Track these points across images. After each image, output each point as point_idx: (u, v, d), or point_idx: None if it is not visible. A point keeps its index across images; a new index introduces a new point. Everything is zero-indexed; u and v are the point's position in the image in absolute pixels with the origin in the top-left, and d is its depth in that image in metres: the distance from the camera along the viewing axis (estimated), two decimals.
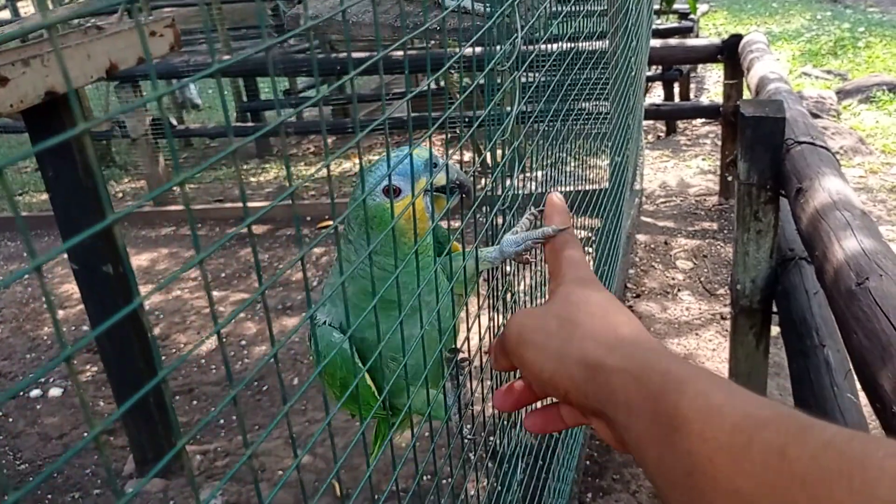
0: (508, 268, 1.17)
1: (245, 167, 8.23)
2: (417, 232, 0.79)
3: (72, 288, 4.77)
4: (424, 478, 2.80)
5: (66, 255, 3.07)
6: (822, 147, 2.55)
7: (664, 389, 0.47)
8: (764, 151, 2.61)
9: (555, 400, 0.64)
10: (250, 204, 6.59)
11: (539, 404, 0.67)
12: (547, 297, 0.68)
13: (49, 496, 3.13)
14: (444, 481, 1.00)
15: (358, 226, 0.93)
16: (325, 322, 0.98)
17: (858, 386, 2.05)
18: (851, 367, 1.62)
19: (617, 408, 0.50)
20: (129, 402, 0.42)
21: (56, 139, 0.34)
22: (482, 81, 0.96)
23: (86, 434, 3.59)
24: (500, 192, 1.08)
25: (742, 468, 0.39)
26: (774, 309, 2.89)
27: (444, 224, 1.02)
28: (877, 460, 0.35)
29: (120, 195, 7.62)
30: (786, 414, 0.41)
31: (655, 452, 0.46)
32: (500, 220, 1.12)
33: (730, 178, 5.57)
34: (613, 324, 0.56)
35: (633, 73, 3.57)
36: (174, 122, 7.53)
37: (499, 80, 1.13)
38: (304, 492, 0.62)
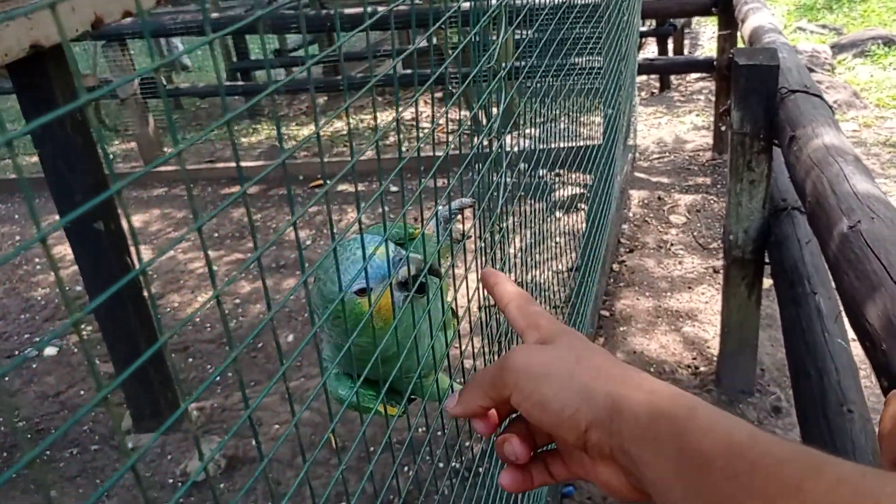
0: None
1: (236, 128, 8.16)
2: (385, 319, 0.93)
3: (64, 249, 4.76)
4: (419, 430, 2.83)
5: (56, 215, 3.06)
6: (815, 96, 2.53)
7: (689, 428, 0.47)
8: (757, 100, 2.59)
9: (549, 447, 0.63)
10: (243, 164, 6.55)
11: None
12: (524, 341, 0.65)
13: (47, 453, 3.16)
14: (439, 433, 1.04)
15: (330, 319, 0.98)
16: (338, 372, 1.09)
17: (851, 334, 2.07)
18: (842, 309, 1.62)
19: (644, 443, 0.49)
20: (132, 367, 0.42)
21: (66, 108, 0.34)
22: (473, 38, 0.96)
23: (82, 392, 3.61)
24: (492, 150, 1.08)
25: None
26: (767, 259, 2.90)
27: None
28: (887, 497, 0.36)
29: (110, 157, 7.56)
30: (804, 451, 0.42)
31: (681, 489, 0.46)
32: (494, 178, 1.12)
33: (723, 129, 5.55)
34: (626, 367, 0.56)
35: (626, 27, 3.53)
36: (164, 82, 7.44)
37: (493, 37, 1.12)
38: (302, 446, 0.63)
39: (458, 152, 0.99)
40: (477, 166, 1.06)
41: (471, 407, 0.62)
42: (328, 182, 0.55)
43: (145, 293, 3.08)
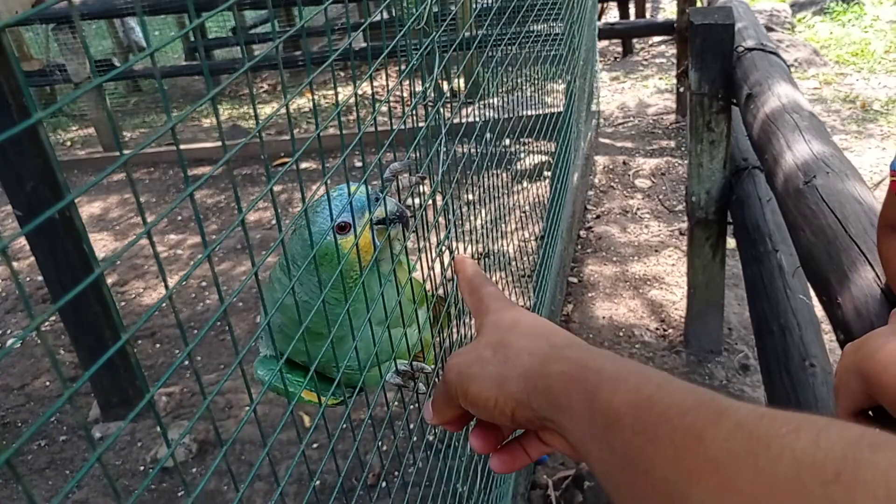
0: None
1: (197, 108, 8.02)
2: (364, 262, 0.87)
3: (21, 239, 4.66)
4: (394, 404, 2.82)
5: (7, 205, 2.98)
6: (772, 53, 2.53)
7: (599, 387, 0.48)
8: (714, 59, 2.59)
9: (518, 433, 0.66)
10: (203, 145, 6.45)
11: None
12: (475, 332, 0.68)
13: (14, 445, 3.11)
14: (412, 406, 1.04)
15: (303, 259, 0.95)
16: (266, 355, 1.04)
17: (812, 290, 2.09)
18: (800, 265, 1.63)
19: (560, 411, 0.51)
20: (95, 366, 0.41)
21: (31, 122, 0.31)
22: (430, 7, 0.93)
23: (48, 383, 3.55)
24: (458, 121, 1.06)
25: (667, 455, 0.41)
26: (730, 219, 2.91)
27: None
28: (779, 438, 0.36)
29: (68, 143, 7.40)
30: (707, 400, 0.42)
31: (596, 449, 0.47)
32: (459, 150, 1.09)
33: (681, 90, 5.55)
34: (545, 335, 0.59)
35: None
36: (118, 63, 7.27)
37: (453, 7, 1.09)
38: (261, 429, 0.62)
39: (412, 125, 0.97)
40: (428, 137, 1.04)
41: (444, 417, 0.66)
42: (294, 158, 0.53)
43: (104, 285, 3.03)
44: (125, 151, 0.40)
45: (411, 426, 1.08)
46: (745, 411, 0.40)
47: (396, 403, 2.95)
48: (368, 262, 0.93)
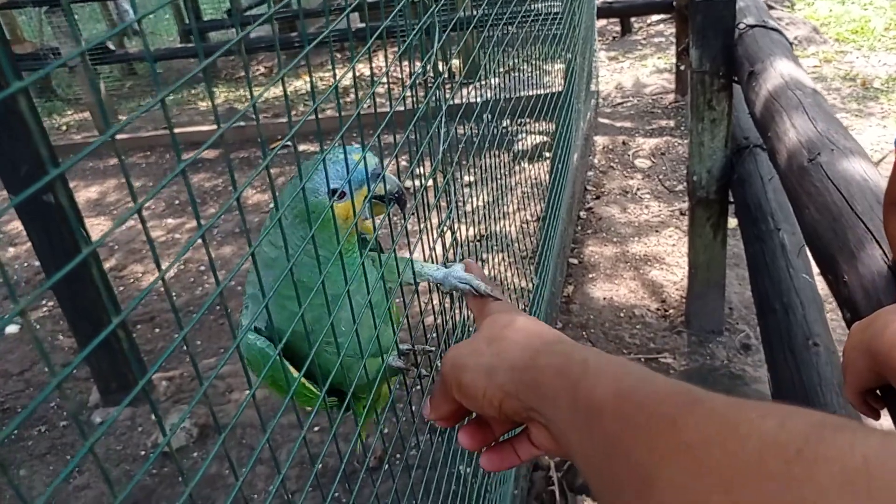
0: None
1: (193, 91, 7.97)
2: (348, 231, 0.90)
3: (19, 224, 4.64)
4: (396, 388, 2.81)
5: (3, 190, 2.95)
6: (773, 30, 2.50)
7: (583, 378, 0.51)
8: (715, 37, 2.56)
9: (512, 433, 0.68)
10: (199, 128, 6.41)
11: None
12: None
13: (15, 431, 3.10)
14: (416, 389, 1.05)
15: (294, 216, 0.97)
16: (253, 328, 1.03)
17: (815, 268, 2.07)
18: (804, 243, 1.62)
19: (545, 402, 0.54)
20: (87, 349, 0.39)
21: None
22: None
23: (47, 369, 3.54)
24: (457, 102, 1.04)
25: (642, 441, 0.43)
26: (731, 199, 2.89)
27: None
28: (748, 421, 0.38)
29: (64, 128, 7.36)
30: (683, 390, 0.45)
31: (577, 439, 0.49)
32: (460, 131, 1.07)
33: (682, 68, 5.51)
34: (538, 333, 0.62)
35: None
36: (112, 46, 7.21)
37: None
38: (261, 415, 0.61)
39: (413, 105, 0.95)
40: (428, 116, 1.02)
41: (441, 412, 0.67)
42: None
43: (101, 268, 3.01)
44: (119, 136, 0.38)
45: (413, 409, 1.07)
46: (718, 401, 0.42)
47: (398, 387, 2.94)
48: (347, 228, 0.94)
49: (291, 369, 0.96)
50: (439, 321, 1.20)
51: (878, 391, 0.94)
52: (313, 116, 0.61)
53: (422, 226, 1.00)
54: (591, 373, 0.50)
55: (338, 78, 0.71)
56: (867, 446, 0.33)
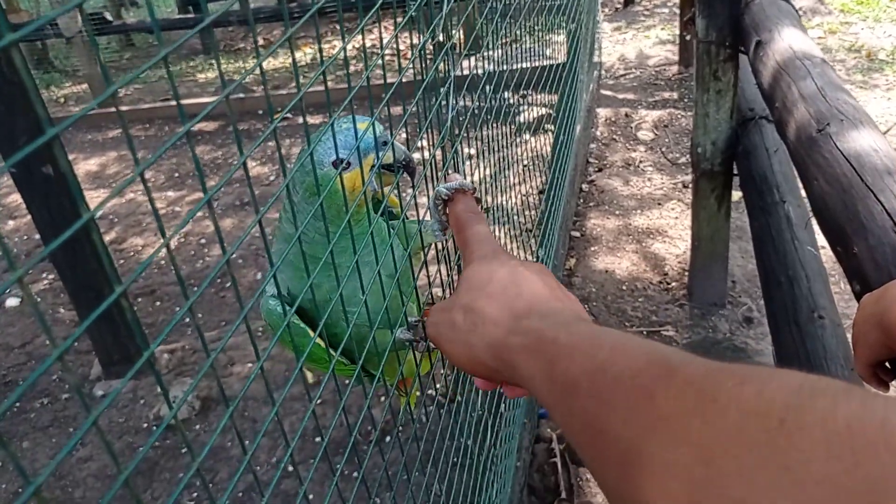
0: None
1: (191, 64, 7.90)
2: (357, 202, 0.87)
3: (18, 197, 4.62)
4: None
5: (2, 161, 2.93)
6: None
7: (556, 358, 0.51)
8: (722, 6, 2.52)
9: None
10: (199, 101, 6.36)
11: None
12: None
13: (17, 404, 3.11)
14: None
15: (304, 190, 0.95)
16: (271, 293, 1.06)
17: (820, 240, 2.06)
18: (812, 216, 1.60)
19: (525, 381, 0.55)
20: (90, 318, 0.38)
21: None
22: None
23: (48, 342, 3.54)
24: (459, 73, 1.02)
25: (620, 417, 0.43)
26: (735, 171, 2.87)
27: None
28: (726, 390, 0.37)
29: (62, 100, 7.30)
30: (658, 358, 0.44)
31: (558, 414, 0.50)
32: (462, 102, 1.05)
33: (688, 38, 5.45)
34: (511, 298, 0.61)
35: None
36: (110, 17, 7.14)
37: None
38: (269, 385, 0.60)
39: (422, 76, 0.93)
40: (437, 87, 1.00)
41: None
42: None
43: (102, 240, 2.99)
44: (116, 97, 0.37)
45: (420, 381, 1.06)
46: (693, 368, 0.41)
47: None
48: (363, 202, 0.93)
49: (308, 330, 0.97)
50: (447, 293, 1.18)
51: (888, 364, 0.93)
52: (318, 87, 0.60)
53: (429, 196, 0.98)
54: (563, 350, 0.51)
55: (342, 55, 0.69)
56: (848, 408, 0.32)
